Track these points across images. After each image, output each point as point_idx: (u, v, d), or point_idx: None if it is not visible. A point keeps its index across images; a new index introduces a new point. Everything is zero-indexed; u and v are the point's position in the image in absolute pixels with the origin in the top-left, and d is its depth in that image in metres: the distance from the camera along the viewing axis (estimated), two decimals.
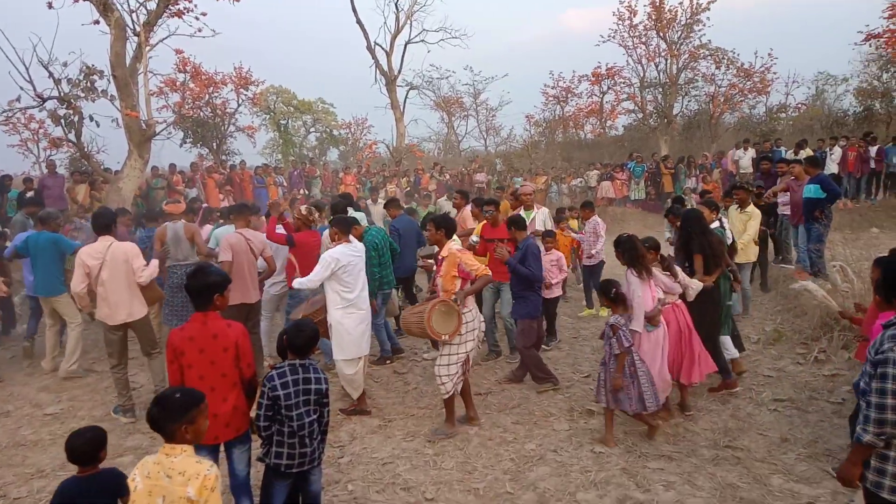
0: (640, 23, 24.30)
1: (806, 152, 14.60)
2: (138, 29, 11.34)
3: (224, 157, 20.88)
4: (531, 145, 25.91)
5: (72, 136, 11.10)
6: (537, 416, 5.54)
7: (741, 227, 7.93)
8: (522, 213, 7.98)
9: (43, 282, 7.01)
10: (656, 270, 5.21)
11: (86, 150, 11.97)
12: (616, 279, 5.16)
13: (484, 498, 4.23)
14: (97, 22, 11.16)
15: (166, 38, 12.53)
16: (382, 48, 23.82)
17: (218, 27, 12.67)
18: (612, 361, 4.82)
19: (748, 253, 8.06)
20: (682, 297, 5.47)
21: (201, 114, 21.34)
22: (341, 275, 5.46)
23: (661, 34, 24.17)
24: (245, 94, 23.15)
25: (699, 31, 23.73)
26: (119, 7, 10.95)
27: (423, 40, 24.55)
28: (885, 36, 20.70)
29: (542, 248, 6.87)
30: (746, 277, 8.26)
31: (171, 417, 2.69)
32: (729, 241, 6.59)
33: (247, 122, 24.35)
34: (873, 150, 15.65)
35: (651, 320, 5.05)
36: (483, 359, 7.10)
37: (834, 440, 4.81)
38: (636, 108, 26.47)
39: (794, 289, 7.09)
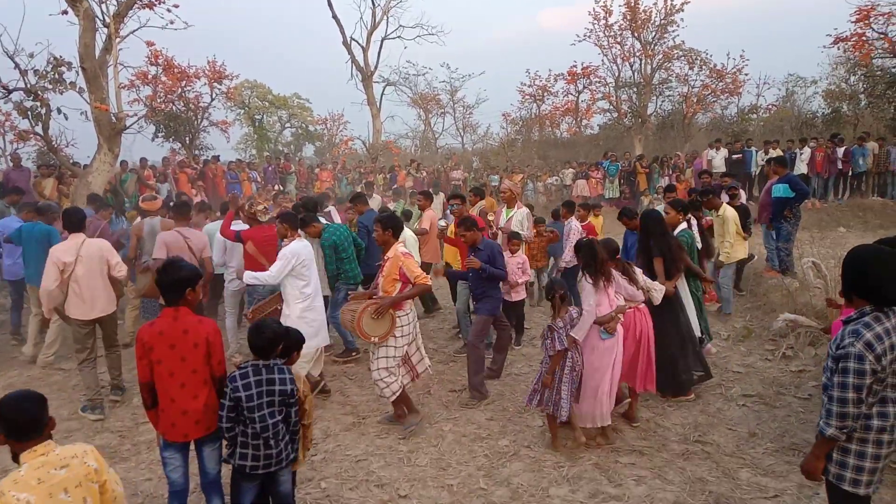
0: (616, 23, 24.48)
1: (776, 152, 14.88)
2: (108, 20, 11.10)
3: (197, 152, 20.59)
4: (507, 143, 25.99)
5: (39, 129, 10.83)
6: (511, 413, 5.57)
7: (719, 229, 7.97)
8: (504, 211, 8.02)
9: (35, 272, 6.85)
10: (618, 276, 4.96)
11: (54, 143, 11.71)
12: (561, 281, 5.17)
13: (458, 494, 4.24)
14: (65, 12, 10.92)
15: (137, 29, 12.29)
16: (359, 44, 23.73)
17: (191, 20, 12.49)
18: (547, 363, 4.74)
19: (736, 252, 8.00)
20: (648, 301, 5.31)
21: (174, 108, 21.00)
22: (300, 269, 5.59)
23: (636, 34, 24.39)
24: (219, 88, 22.85)
25: (673, 31, 23.99)
26: None
27: (399, 36, 24.51)
28: (853, 40, 21.13)
29: (507, 250, 6.86)
30: (730, 276, 8.22)
31: (40, 420, 2.50)
32: (699, 245, 6.36)
33: (220, 116, 24.07)
34: (840, 151, 16.03)
35: (606, 327, 4.76)
36: (457, 352, 7.12)
37: (800, 434, 4.91)
38: (611, 107, 26.68)
39: (779, 324, 6.88)
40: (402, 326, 5.05)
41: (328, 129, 30.59)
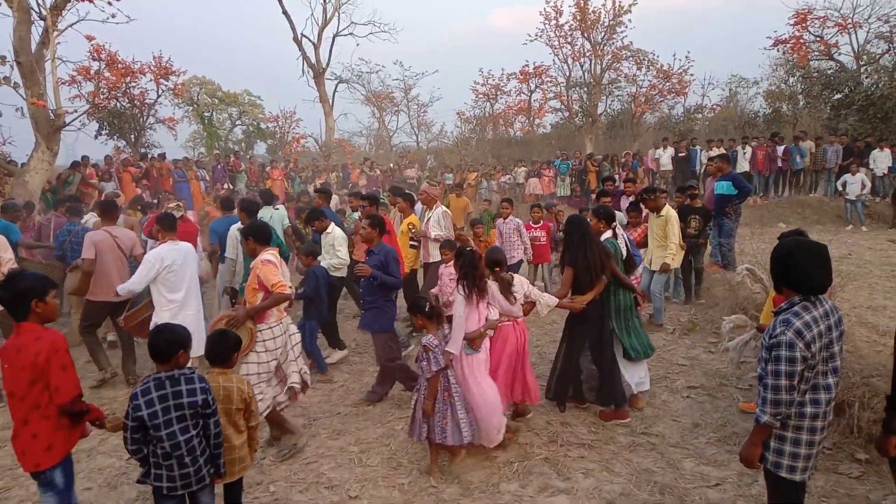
0: (566, 23, 24.90)
1: (719, 151, 15.35)
2: (45, 13, 10.69)
3: (144, 150, 20.00)
4: (462, 142, 26.11)
5: None
6: None
7: (660, 232, 7.57)
8: (424, 213, 7.92)
9: None
10: (494, 289, 4.68)
11: None
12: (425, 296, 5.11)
13: (409, 493, 4.23)
14: None
15: (76, 22, 11.91)
16: (310, 40, 23.41)
17: (134, 13, 12.13)
18: (425, 388, 4.37)
19: (679, 259, 7.77)
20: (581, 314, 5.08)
21: (118, 104, 20.35)
22: (166, 275, 5.38)
23: (586, 35, 24.83)
24: (165, 85, 22.27)
25: (621, 32, 24.53)
26: None
27: (351, 33, 24.35)
28: (791, 42, 22.01)
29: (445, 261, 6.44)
30: (663, 282, 7.81)
31: None
32: (623, 254, 5.61)
33: (168, 113, 23.50)
34: (780, 149, 16.66)
35: (471, 343, 4.49)
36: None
37: (741, 424, 5.08)
38: (563, 106, 27.10)
39: (727, 327, 6.49)
40: (264, 341, 4.60)
41: (280, 126, 30.13)
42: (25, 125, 10.79)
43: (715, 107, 28.14)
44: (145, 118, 21.49)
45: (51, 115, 10.53)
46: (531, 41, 25.57)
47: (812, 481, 4.09)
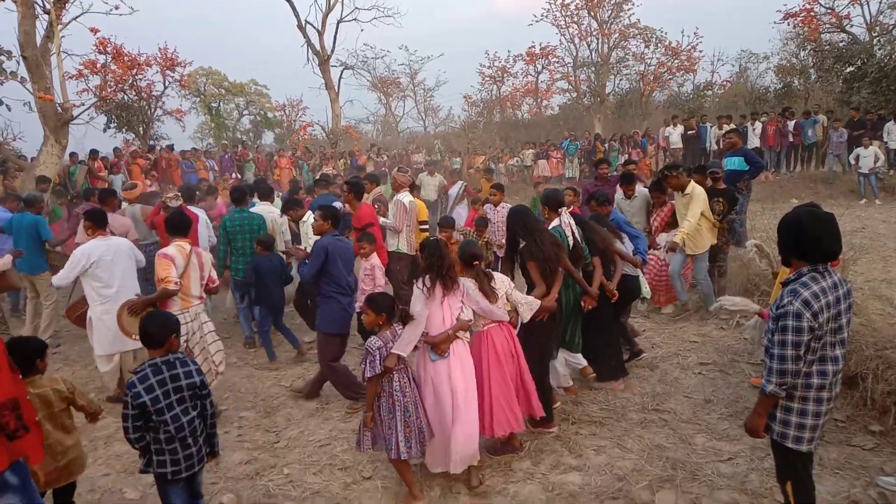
0: (572, 2, 24.61)
1: (729, 127, 15.16)
2: (48, 6, 10.71)
3: (152, 143, 20.08)
4: (469, 126, 25.99)
5: None
6: None
7: (682, 210, 6.90)
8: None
9: (26, 261, 7.16)
10: (471, 286, 4.15)
11: None
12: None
13: (421, 473, 4.26)
14: None
15: (79, 15, 11.92)
16: (314, 27, 23.25)
17: (138, 5, 12.12)
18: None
19: (698, 242, 6.88)
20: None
21: (125, 97, 20.40)
22: (94, 270, 5.36)
23: (592, 13, 24.56)
24: (172, 76, 22.30)
25: (628, 10, 24.25)
26: None
27: (355, 19, 24.05)
28: (802, 15, 21.64)
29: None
30: (703, 269, 7.00)
31: None
32: (570, 244, 4.95)
33: (175, 105, 23.52)
34: (791, 124, 16.44)
35: (434, 347, 3.97)
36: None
37: (753, 399, 4.98)
38: (570, 87, 26.90)
39: (716, 306, 5.81)
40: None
41: (287, 115, 30.12)
42: (34, 120, 10.86)
43: (725, 83, 27.81)
44: (153, 110, 21.54)
45: (58, 108, 10.57)
46: (537, 22, 25.35)
47: (826, 453, 4.09)
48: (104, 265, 5.41)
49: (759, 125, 16.33)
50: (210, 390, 3.37)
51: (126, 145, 19.19)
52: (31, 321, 7.69)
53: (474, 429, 3.95)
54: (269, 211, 7.38)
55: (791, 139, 16.53)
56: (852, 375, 4.68)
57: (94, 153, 14.83)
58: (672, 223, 7.25)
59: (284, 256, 6.87)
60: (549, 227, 4.92)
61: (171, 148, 17.18)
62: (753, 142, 15.79)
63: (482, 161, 19.45)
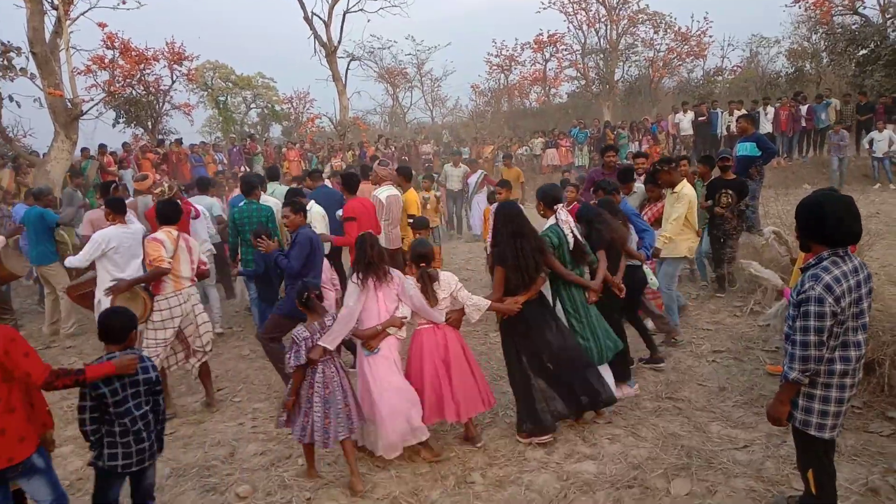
0: None
1: (741, 113, 15.01)
2: (56, 2, 10.73)
3: (161, 137, 20.15)
4: (477, 115, 25.90)
5: None
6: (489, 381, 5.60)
7: (669, 211, 6.32)
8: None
9: (36, 252, 7.55)
10: (410, 284, 4.22)
11: (8, 133, 11.36)
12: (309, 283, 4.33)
13: (435, 463, 4.26)
14: None
15: (87, 10, 11.93)
16: (320, 18, 23.20)
17: None
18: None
19: (678, 245, 6.21)
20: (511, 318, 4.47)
21: (133, 92, 20.46)
22: (112, 255, 5.70)
23: (600, 0, 24.31)
24: (179, 71, 22.33)
25: None
26: None
27: (362, 9, 23.97)
28: None
29: None
30: (671, 276, 6.34)
31: None
32: (570, 243, 4.65)
33: (183, 99, 23.58)
34: (804, 109, 16.24)
35: (365, 342, 4.11)
36: None
37: (768, 386, 5.02)
38: (579, 74, 26.71)
39: (740, 268, 6.07)
40: (160, 311, 5.00)
41: (294, 107, 30.12)
42: (44, 116, 10.92)
43: (735, 68, 27.50)
44: (161, 105, 21.61)
45: (68, 104, 10.63)
46: (544, 9, 25.14)
47: (842, 440, 4.05)
48: (122, 250, 5.79)
49: (771, 110, 16.15)
50: (162, 387, 3.41)
51: (135, 140, 19.29)
52: (51, 318, 7.83)
53: (404, 412, 4.08)
54: (274, 203, 7.38)
55: (804, 124, 16.33)
56: (869, 361, 4.62)
57: (102, 148, 14.90)
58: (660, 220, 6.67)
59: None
60: (546, 227, 4.72)
61: (179, 142, 17.24)
62: (766, 127, 15.62)
63: (491, 151, 19.39)
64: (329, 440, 3.91)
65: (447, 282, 4.32)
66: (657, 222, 6.48)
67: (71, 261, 5.88)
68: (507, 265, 4.31)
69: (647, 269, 5.60)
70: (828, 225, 2.75)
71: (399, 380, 4.18)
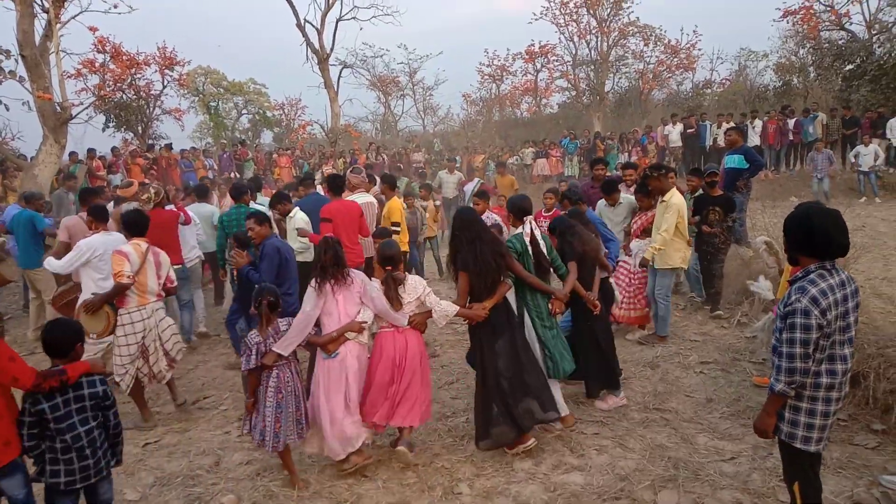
0: (571, 0, 24.56)
1: (729, 125, 15.14)
2: (47, 5, 10.68)
3: (151, 142, 20.04)
4: (468, 124, 25.97)
5: None
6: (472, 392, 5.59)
7: (659, 220, 6.29)
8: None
9: (23, 256, 7.52)
10: (374, 288, 4.21)
11: None
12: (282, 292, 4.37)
13: (423, 473, 4.24)
14: None
15: (78, 14, 11.88)
16: (313, 25, 23.22)
17: (136, 3, 12.09)
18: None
19: (671, 256, 6.25)
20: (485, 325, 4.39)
21: (123, 96, 20.35)
22: (97, 262, 5.65)
23: (592, 11, 24.51)
24: (170, 76, 22.21)
25: (628, 8, 24.21)
26: None
27: (354, 17, 24.02)
28: (801, 13, 21.61)
29: None
30: (664, 287, 6.34)
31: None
32: (532, 253, 4.65)
33: (174, 104, 23.45)
34: (791, 122, 16.42)
35: (322, 346, 4.11)
36: None
37: (755, 398, 5.05)
38: (569, 85, 26.86)
39: (748, 287, 5.92)
40: (123, 325, 4.97)
41: (285, 114, 30.08)
42: (32, 120, 10.84)
43: (724, 81, 27.76)
44: (152, 109, 21.50)
45: (57, 108, 10.56)
46: (536, 20, 25.29)
47: (828, 452, 4.07)
48: (107, 258, 5.64)
49: (759, 123, 16.32)
50: (113, 401, 3.28)
51: (125, 144, 19.16)
52: (35, 322, 7.75)
53: (343, 421, 4.08)
54: (263, 209, 7.37)
55: (791, 137, 16.51)
56: (854, 374, 4.65)
57: (91, 152, 14.80)
58: (648, 232, 6.64)
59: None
60: (511, 235, 4.75)
61: (169, 147, 17.16)
62: (754, 140, 15.78)
63: (482, 160, 19.44)
64: (279, 443, 3.96)
65: (414, 286, 4.31)
66: (647, 232, 6.51)
67: (52, 264, 5.81)
68: (469, 270, 4.29)
69: (612, 282, 5.62)
70: (816, 238, 2.77)
71: (352, 388, 4.13)
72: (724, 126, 15.00)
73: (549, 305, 4.63)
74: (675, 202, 6.17)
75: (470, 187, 12.66)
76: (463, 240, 4.35)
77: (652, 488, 3.90)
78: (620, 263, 6.61)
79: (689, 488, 3.87)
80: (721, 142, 14.86)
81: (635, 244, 6.66)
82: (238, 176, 17.14)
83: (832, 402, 2.84)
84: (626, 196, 7.01)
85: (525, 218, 4.74)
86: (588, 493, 3.91)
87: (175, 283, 5.60)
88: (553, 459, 4.33)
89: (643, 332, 6.69)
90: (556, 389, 4.62)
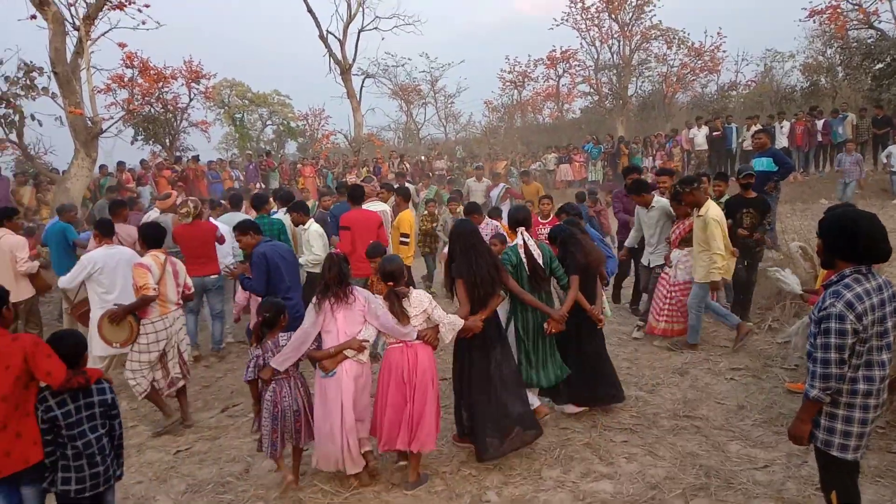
0: (592, 5, 24.51)
1: (757, 128, 14.93)
2: (78, 23, 10.96)
3: (178, 154, 20.40)
4: (490, 131, 25.99)
5: (13, 137, 10.69)
6: None
7: (700, 234, 6.03)
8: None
9: (56, 267, 7.52)
10: (378, 303, 4.10)
11: (30, 151, 11.56)
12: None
13: (450, 481, 4.23)
14: (34, 17, 10.77)
15: (108, 31, 12.15)
16: (335, 37, 23.49)
17: (163, 19, 12.34)
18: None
19: (729, 269, 6.22)
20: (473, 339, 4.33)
21: (151, 110, 20.76)
22: (97, 276, 5.82)
23: (613, 16, 24.41)
24: (197, 89, 22.63)
25: (650, 11, 24.05)
26: (56, 1, 10.55)
27: (376, 28, 24.26)
28: (828, 12, 21.26)
29: None
30: (699, 297, 6.19)
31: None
32: (527, 266, 4.62)
33: (200, 116, 23.88)
34: (819, 123, 16.12)
35: (320, 364, 4.02)
36: None
37: (788, 405, 4.95)
38: (592, 90, 26.75)
39: (769, 275, 5.86)
40: (146, 334, 5.09)
41: (309, 124, 30.40)
42: (64, 134, 11.10)
43: (750, 83, 27.40)
44: (179, 122, 21.90)
45: (88, 122, 10.80)
46: (557, 26, 25.26)
47: (866, 461, 3.97)
48: (107, 272, 5.91)
49: (786, 125, 16.06)
50: (119, 411, 3.36)
51: (153, 157, 19.54)
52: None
53: (334, 438, 3.99)
54: (285, 218, 7.61)
55: (820, 138, 16.21)
56: (893, 380, 4.54)
57: (121, 165, 15.12)
58: (690, 239, 6.45)
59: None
60: (507, 247, 4.75)
61: (196, 159, 17.45)
62: (781, 142, 15.53)
63: (504, 166, 19.43)
64: (276, 451, 4.10)
65: (419, 299, 4.18)
66: (686, 241, 6.38)
67: (61, 280, 6.07)
68: (464, 278, 4.24)
69: (604, 297, 5.47)
70: (861, 242, 2.70)
71: (347, 410, 3.98)
72: (753, 128, 14.80)
73: (545, 325, 4.60)
74: (713, 215, 5.93)
75: (496, 192, 12.65)
76: (458, 249, 4.30)
77: (683, 497, 3.84)
78: (661, 275, 6.56)
79: (721, 497, 3.80)
80: (747, 145, 14.67)
81: (675, 254, 6.51)
82: (263, 186, 17.36)
83: (870, 410, 2.77)
84: (660, 200, 6.85)
85: (518, 229, 4.72)
86: (618, 501, 3.86)
87: (192, 290, 5.77)
88: (582, 467, 4.28)
89: (673, 338, 6.57)
90: (532, 393, 4.62)
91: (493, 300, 4.29)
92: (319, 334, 4.06)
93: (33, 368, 3.06)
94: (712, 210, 5.97)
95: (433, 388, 4.17)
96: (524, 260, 4.58)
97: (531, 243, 4.65)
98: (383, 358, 4.24)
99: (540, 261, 4.60)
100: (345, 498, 4.11)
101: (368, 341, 4.09)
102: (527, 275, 4.58)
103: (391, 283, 4.18)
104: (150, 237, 5.35)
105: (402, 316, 4.08)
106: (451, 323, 4.17)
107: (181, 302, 5.46)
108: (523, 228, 4.73)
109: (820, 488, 3.12)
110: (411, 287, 4.42)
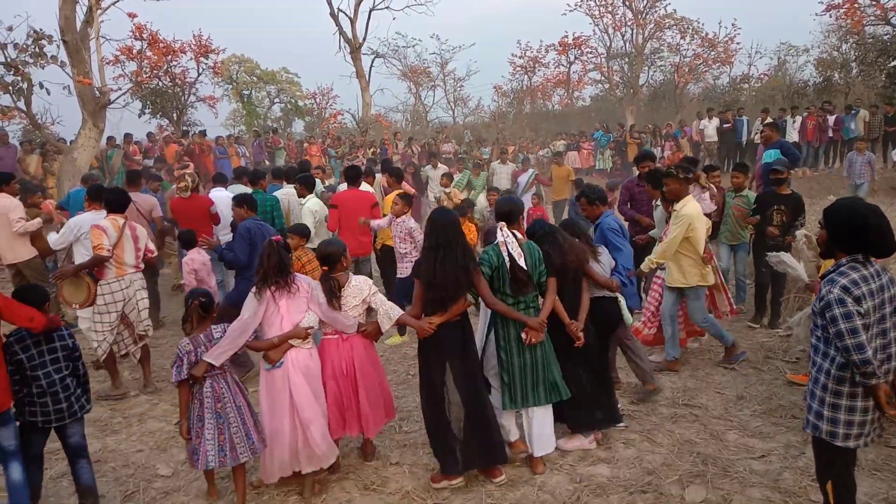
0: None
1: (768, 120, 14.81)
2: None
3: (185, 128, 20.35)
4: (499, 116, 25.82)
5: (21, 105, 10.65)
6: None
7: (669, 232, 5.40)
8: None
9: None
10: (316, 290, 3.90)
11: (38, 120, 11.53)
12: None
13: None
14: None
15: (117, 0, 12.03)
16: (346, 15, 23.33)
17: None
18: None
19: (680, 273, 5.39)
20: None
21: (159, 83, 20.68)
22: (84, 240, 5.82)
23: (627, 3, 24.17)
24: (205, 63, 22.48)
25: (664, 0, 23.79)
26: None
27: (387, 7, 24.07)
28: (845, 7, 21.00)
29: None
30: (698, 310, 5.54)
31: None
32: (508, 266, 3.93)
33: (208, 91, 23.74)
34: (831, 119, 15.98)
35: (264, 356, 3.79)
36: None
37: (787, 397, 4.96)
38: (603, 78, 26.55)
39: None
40: (103, 295, 5.34)
41: (317, 103, 30.26)
42: (71, 104, 11.05)
43: (762, 76, 27.13)
44: (186, 96, 21.81)
45: (96, 93, 10.76)
46: (570, 11, 24.99)
47: (863, 453, 3.99)
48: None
49: (798, 119, 15.94)
50: (81, 353, 3.79)
51: (160, 130, 19.49)
52: None
53: (280, 443, 3.76)
54: (286, 193, 7.74)
55: (831, 134, 16.08)
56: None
57: (128, 137, 15.09)
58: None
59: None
60: (487, 247, 4.09)
61: (203, 134, 17.40)
62: (792, 136, 15.39)
63: (511, 151, 19.34)
64: (226, 458, 3.64)
65: (359, 287, 3.99)
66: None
67: (49, 239, 6.28)
68: (420, 277, 3.88)
69: (622, 302, 4.80)
70: (870, 235, 2.70)
71: (296, 397, 3.74)
72: (768, 120, 14.66)
73: (524, 335, 3.94)
74: (686, 213, 5.22)
75: (524, 178, 11.93)
76: (427, 244, 3.88)
77: (679, 483, 3.86)
78: (656, 278, 5.94)
79: (717, 484, 3.83)
80: (756, 138, 14.51)
81: None
82: (269, 163, 17.33)
83: (871, 398, 2.76)
84: None
85: (499, 224, 4.10)
86: (614, 485, 3.89)
87: (154, 254, 6.03)
88: (579, 452, 4.30)
89: (658, 359, 5.84)
90: (508, 417, 4.12)
91: (454, 305, 3.83)
92: (260, 326, 3.82)
93: (14, 319, 3.41)
94: (688, 207, 5.26)
95: (375, 371, 4.15)
96: (506, 261, 3.94)
97: (511, 242, 3.97)
98: (319, 350, 4.00)
99: (521, 262, 3.92)
100: (342, 475, 4.13)
101: (313, 328, 3.88)
102: (508, 278, 3.93)
103: (325, 268, 4.01)
104: (115, 202, 5.54)
105: (334, 302, 3.89)
106: (387, 312, 3.98)
107: (141, 266, 5.70)
108: (504, 224, 4.08)
109: (816, 479, 3.13)
110: (350, 273, 4.14)
